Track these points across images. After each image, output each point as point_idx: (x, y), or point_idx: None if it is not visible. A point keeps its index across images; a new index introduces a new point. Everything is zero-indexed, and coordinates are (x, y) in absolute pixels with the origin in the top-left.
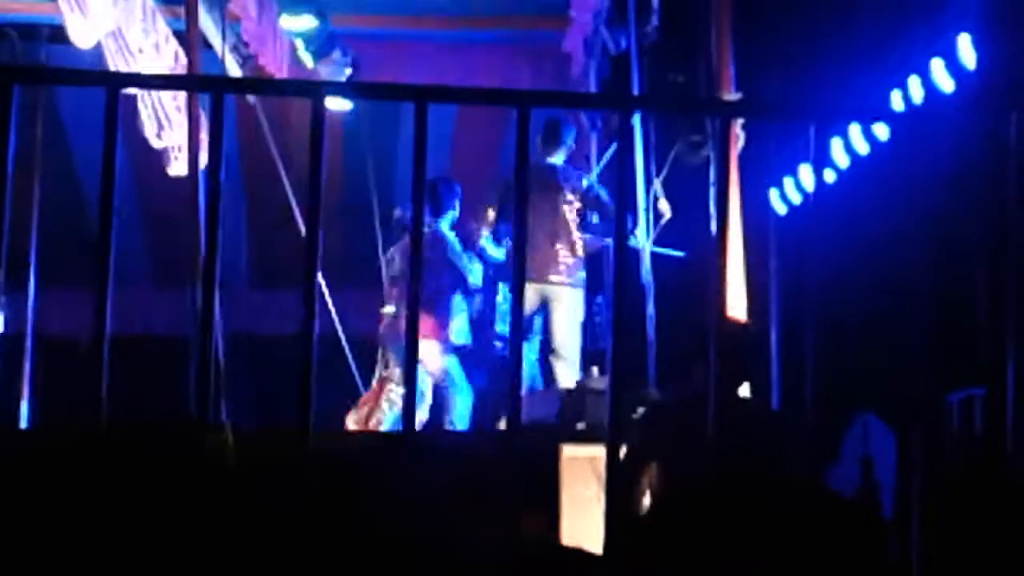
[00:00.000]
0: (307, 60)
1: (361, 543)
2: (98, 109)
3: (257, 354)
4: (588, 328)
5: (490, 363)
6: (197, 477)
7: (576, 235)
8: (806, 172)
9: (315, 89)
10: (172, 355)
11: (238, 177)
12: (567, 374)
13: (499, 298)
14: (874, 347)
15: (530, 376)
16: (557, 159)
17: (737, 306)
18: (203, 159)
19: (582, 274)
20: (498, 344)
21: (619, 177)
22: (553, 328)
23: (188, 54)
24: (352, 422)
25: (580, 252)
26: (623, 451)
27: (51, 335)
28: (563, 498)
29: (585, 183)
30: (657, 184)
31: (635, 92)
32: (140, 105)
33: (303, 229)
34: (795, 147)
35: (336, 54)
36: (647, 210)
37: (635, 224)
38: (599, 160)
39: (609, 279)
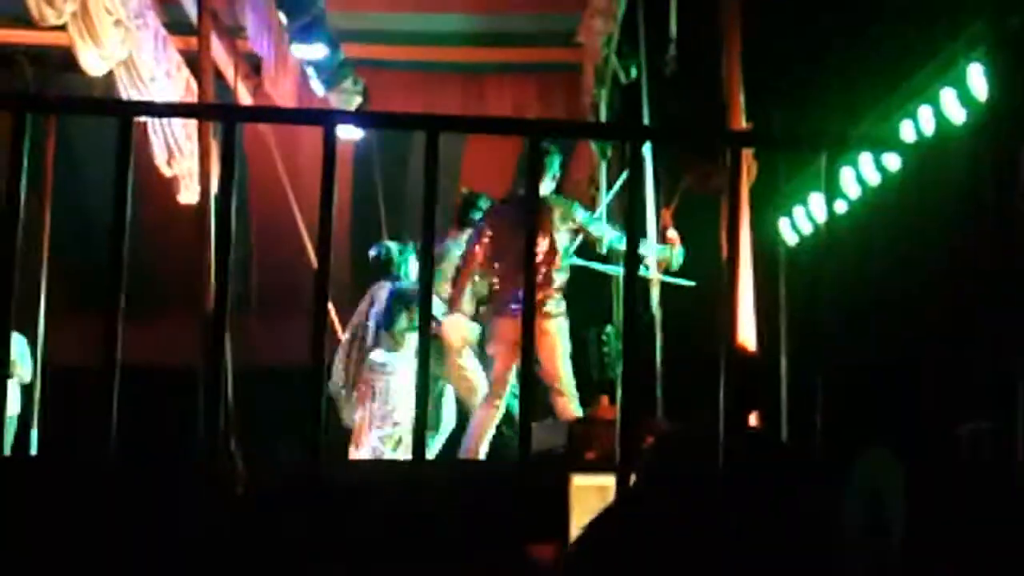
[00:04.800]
0: (318, 88)
1: (370, 568)
2: (109, 137)
3: (266, 382)
4: (597, 358)
5: None
6: (207, 504)
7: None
8: (817, 202)
9: (326, 118)
10: (181, 384)
11: (247, 205)
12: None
13: None
14: (883, 378)
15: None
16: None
17: (747, 336)
18: (214, 187)
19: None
20: None
21: (630, 206)
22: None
23: (200, 82)
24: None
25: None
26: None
27: (60, 363)
28: (573, 527)
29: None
30: (667, 214)
31: (645, 122)
32: (151, 132)
33: (313, 257)
34: (806, 177)
35: (347, 82)
36: (657, 240)
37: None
38: (609, 190)
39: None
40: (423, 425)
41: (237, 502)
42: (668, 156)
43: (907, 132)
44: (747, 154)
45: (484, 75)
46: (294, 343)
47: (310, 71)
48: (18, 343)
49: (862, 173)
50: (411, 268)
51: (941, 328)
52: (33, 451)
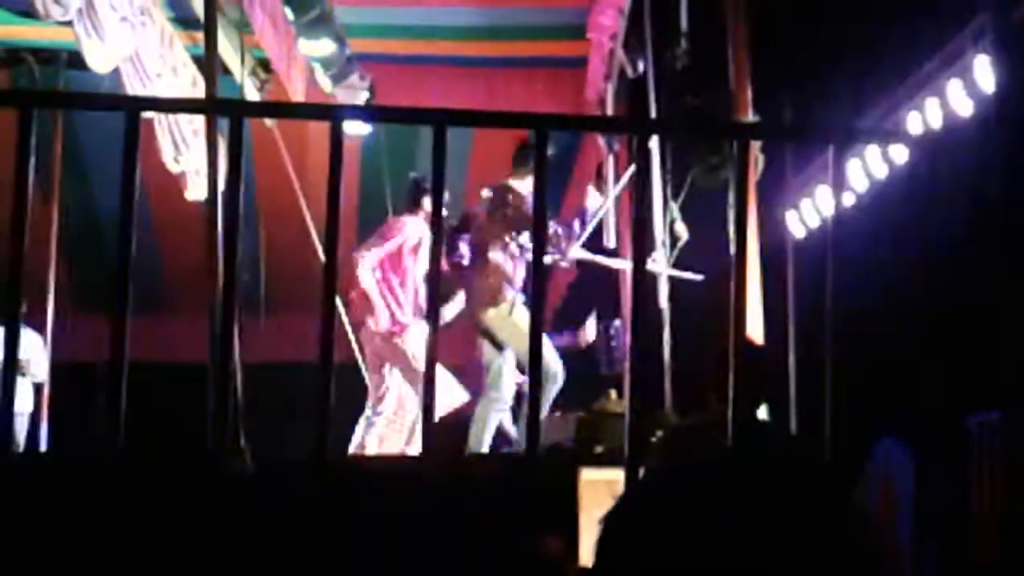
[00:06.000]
0: (325, 84)
1: (381, 564)
2: (116, 133)
3: (275, 380)
4: (605, 352)
5: None
6: (216, 500)
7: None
8: (824, 194)
9: (333, 113)
10: (189, 382)
11: (254, 201)
12: None
13: None
14: (893, 369)
15: None
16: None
17: (755, 329)
18: (221, 183)
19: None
20: None
21: (637, 200)
22: None
23: (206, 78)
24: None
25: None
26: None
27: (70, 359)
28: (582, 521)
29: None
30: (674, 207)
31: (653, 115)
32: (157, 129)
33: (321, 253)
34: (813, 169)
35: (354, 78)
36: (664, 233)
37: (653, 247)
38: (616, 183)
39: (627, 303)
40: (431, 419)
41: (245, 496)
42: (676, 149)
43: (914, 124)
44: (754, 147)
45: (492, 69)
46: (305, 339)
47: (316, 67)
48: (33, 341)
49: (869, 165)
50: None
51: (949, 319)
52: (43, 447)
